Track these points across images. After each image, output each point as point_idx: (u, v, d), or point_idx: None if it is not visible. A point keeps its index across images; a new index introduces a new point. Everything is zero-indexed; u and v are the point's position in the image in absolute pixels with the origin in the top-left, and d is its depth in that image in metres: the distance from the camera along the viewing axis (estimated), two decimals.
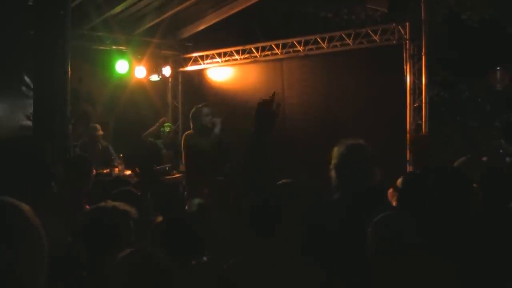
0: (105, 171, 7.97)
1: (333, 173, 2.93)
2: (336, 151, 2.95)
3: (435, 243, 2.23)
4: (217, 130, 6.83)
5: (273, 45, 9.39)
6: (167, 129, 9.16)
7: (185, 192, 7.26)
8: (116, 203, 2.65)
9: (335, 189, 2.91)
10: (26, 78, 5.44)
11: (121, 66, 9.60)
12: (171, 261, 2.03)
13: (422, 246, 2.02)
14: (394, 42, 8.13)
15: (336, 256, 2.34)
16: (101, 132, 8.76)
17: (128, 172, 8.13)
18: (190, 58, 10.52)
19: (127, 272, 1.88)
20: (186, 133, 7.09)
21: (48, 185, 3.00)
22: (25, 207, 1.29)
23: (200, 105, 7.08)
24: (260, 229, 2.37)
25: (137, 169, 6.70)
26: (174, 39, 10.41)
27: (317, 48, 8.93)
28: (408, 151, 7.64)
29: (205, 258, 2.75)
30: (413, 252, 1.98)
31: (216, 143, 6.78)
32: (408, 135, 7.93)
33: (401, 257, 1.97)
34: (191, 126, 7.00)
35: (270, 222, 2.37)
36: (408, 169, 7.72)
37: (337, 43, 8.72)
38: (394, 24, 8.06)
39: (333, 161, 2.94)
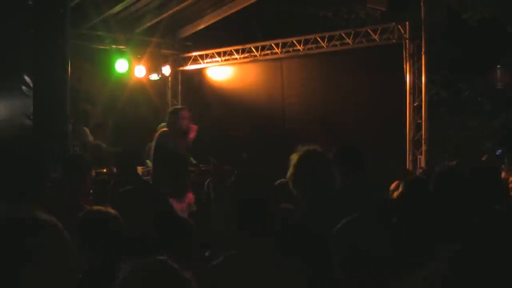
0: (104, 170, 7.96)
1: (290, 183, 2.90)
2: (291, 161, 2.93)
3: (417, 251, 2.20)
4: (192, 135, 6.75)
5: (272, 44, 9.38)
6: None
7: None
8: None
9: (298, 198, 2.88)
10: (26, 78, 5.44)
11: (120, 65, 9.59)
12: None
13: (390, 253, 1.99)
14: (394, 41, 8.13)
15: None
16: (89, 139, 8.69)
17: None
18: (189, 57, 10.51)
19: (142, 282, 1.77)
20: (161, 131, 6.82)
21: (42, 185, 3.00)
22: (59, 225, 1.36)
23: (179, 107, 7.04)
24: (251, 228, 2.34)
25: (115, 168, 6.57)
26: (173, 39, 10.40)
27: (317, 47, 8.93)
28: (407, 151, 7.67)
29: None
30: (381, 260, 1.94)
31: (187, 148, 6.70)
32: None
33: (367, 264, 1.94)
34: (167, 125, 6.79)
35: (262, 221, 2.34)
36: (407, 169, 7.73)
37: (337, 42, 8.71)
38: (393, 23, 8.05)
39: (289, 171, 2.91)
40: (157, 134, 6.81)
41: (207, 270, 2.29)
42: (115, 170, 7.82)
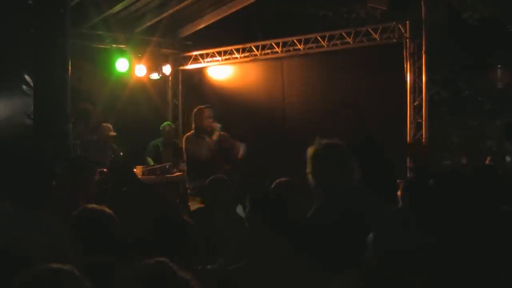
0: (105, 170, 7.93)
1: (310, 178, 2.87)
2: (310, 154, 2.89)
3: (442, 244, 2.21)
4: (215, 135, 6.98)
5: (273, 44, 9.38)
6: (167, 128, 9.18)
7: (187, 192, 7.33)
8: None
9: (317, 193, 2.86)
10: (27, 77, 5.44)
11: (121, 64, 9.60)
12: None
13: (428, 246, 2.01)
14: (394, 40, 8.12)
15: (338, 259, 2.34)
16: (113, 133, 8.60)
17: None
18: (190, 57, 10.51)
19: (142, 283, 1.74)
20: (187, 134, 7.27)
21: (49, 185, 2.99)
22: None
23: (203, 106, 7.22)
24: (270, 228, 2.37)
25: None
26: (173, 38, 10.41)
27: (317, 47, 8.92)
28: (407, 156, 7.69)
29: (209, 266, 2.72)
30: (419, 253, 1.96)
31: (212, 147, 6.93)
32: (407, 144, 7.89)
33: (406, 258, 1.96)
34: (192, 126, 7.22)
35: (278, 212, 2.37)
36: (407, 169, 7.73)
37: (337, 42, 8.70)
38: (394, 23, 8.05)
39: (309, 166, 2.88)
40: (184, 138, 7.25)
41: (229, 271, 2.31)
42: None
